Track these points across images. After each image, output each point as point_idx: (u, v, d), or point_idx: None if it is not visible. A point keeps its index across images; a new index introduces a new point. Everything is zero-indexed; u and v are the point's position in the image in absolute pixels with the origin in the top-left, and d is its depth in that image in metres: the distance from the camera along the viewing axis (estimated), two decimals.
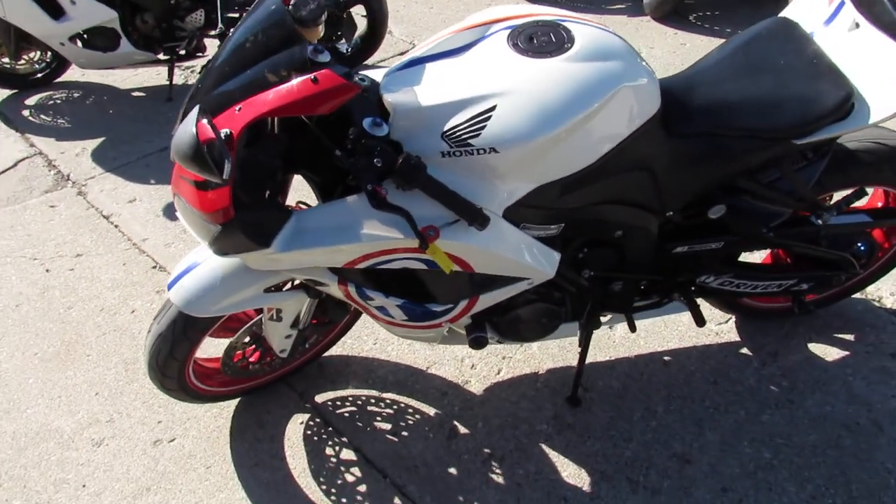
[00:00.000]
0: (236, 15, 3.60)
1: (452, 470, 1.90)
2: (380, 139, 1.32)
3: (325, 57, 1.45)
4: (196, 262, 1.64)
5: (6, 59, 3.90)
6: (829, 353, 2.13)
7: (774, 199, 1.67)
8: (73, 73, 3.93)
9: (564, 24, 1.47)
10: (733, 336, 2.21)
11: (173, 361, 1.73)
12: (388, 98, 1.39)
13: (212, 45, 4.07)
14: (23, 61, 3.98)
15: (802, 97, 1.52)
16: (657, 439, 1.94)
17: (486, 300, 1.61)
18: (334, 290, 1.57)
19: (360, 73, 1.47)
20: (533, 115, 1.34)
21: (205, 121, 1.16)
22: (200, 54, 3.88)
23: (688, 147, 1.55)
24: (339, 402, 2.10)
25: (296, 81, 1.26)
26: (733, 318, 2.26)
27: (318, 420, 2.06)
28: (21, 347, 2.36)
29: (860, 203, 1.83)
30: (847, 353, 2.12)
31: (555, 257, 1.58)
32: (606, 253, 1.71)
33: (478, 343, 1.71)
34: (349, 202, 1.40)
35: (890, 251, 2.04)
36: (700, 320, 1.89)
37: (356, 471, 1.92)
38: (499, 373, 2.16)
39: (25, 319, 2.47)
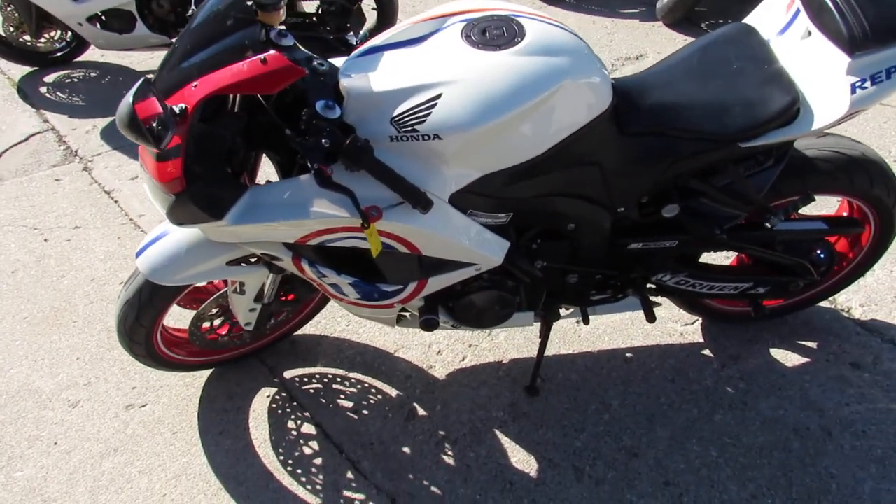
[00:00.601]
0: None
1: (406, 449, 1.96)
2: (331, 121, 1.38)
3: (289, 41, 1.52)
4: (165, 232, 1.72)
5: (27, 37, 4.05)
6: (790, 359, 2.15)
7: (725, 201, 1.70)
8: (92, 54, 4.06)
9: (518, 19, 1.52)
10: (697, 337, 2.24)
11: (140, 328, 1.81)
12: (344, 83, 1.46)
13: None
14: (43, 40, 4.12)
15: (749, 101, 1.55)
16: (608, 432, 1.98)
17: (435, 283, 1.67)
18: (289, 265, 1.64)
19: (320, 58, 1.53)
20: (475, 104, 1.39)
21: (152, 94, 1.24)
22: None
23: (637, 145, 1.59)
24: (306, 379, 2.18)
25: (247, 62, 1.33)
26: (700, 321, 2.29)
27: (284, 395, 2.13)
28: (12, 311, 2.46)
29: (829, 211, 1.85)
30: (808, 360, 2.14)
31: (503, 245, 1.64)
32: (559, 245, 1.76)
33: (428, 325, 1.76)
34: (300, 180, 1.47)
35: (854, 261, 2.06)
36: (650, 317, 1.93)
37: (314, 444, 1.99)
38: (463, 359, 2.22)
39: (20, 285, 2.59)
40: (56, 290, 2.55)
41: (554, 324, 2.23)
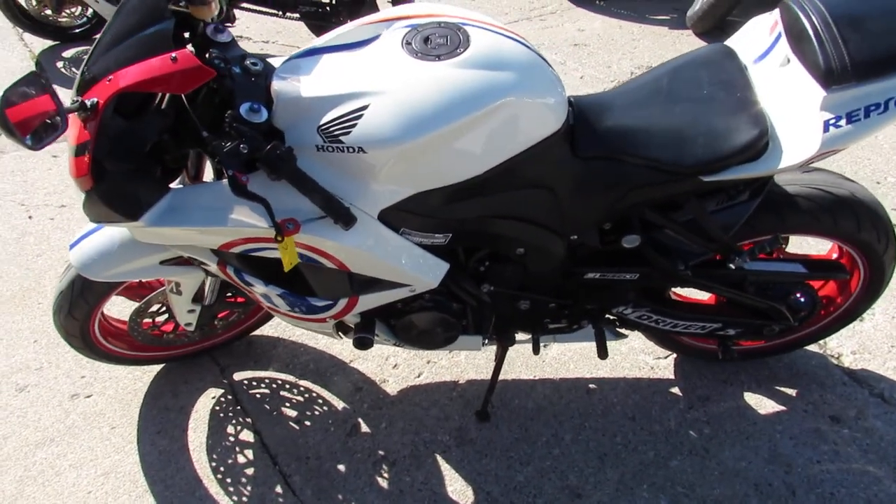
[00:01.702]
0: None
1: (341, 467, 1.88)
2: (254, 125, 1.29)
3: (226, 37, 1.45)
4: (100, 226, 1.67)
5: (49, 12, 4.08)
6: (764, 405, 2.00)
7: (687, 236, 1.57)
8: None
9: (467, 27, 1.41)
10: (668, 373, 2.11)
11: (73, 320, 1.77)
12: (275, 85, 1.37)
13: (241, 15, 4.15)
14: (65, 15, 4.15)
15: (714, 132, 1.42)
16: (554, 468, 1.86)
17: (368, 301, 1.58)
18: (215, 271, 1.56)
19: (255, 58, 1.45)
20: (402, 118, 1.29)
21: (47, 90, 1.18)
22: (229, 24, 3.95)
23: (590, 170, 1.47)
24: (255, 383, 2.11)
25: (158, 58, 1.25)
26: (674, 356, 2.16)
27: (229, 397, 2.07)
28: None
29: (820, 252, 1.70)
30: (783, 408, 1.99)
31: (441, 267, 1.54)
32: (508, 269, 1.65)
33: (361, 344, 1.67)
34: (220, 186, 1.39)
35: (843, 306, 1.90)
36: (603, 353, 1.81)
37: (249, 453, 1.92)
38: (419, 376, 2.13)
39: None
40: (29, 270, 2.54)
41: (518, 346, 2.14)
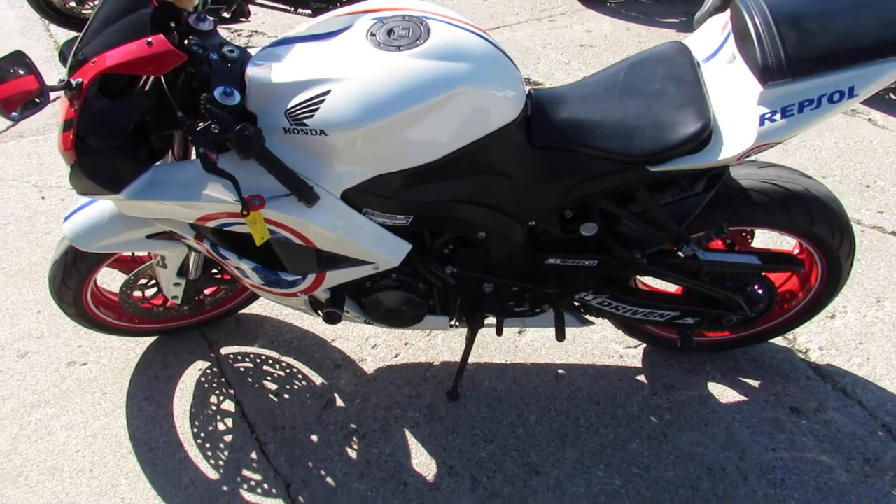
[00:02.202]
0: None
1: (314, 437, 1.98)
2: (227, 107, 1.39)
3: (207, 26, 1.56)
4: (93, 200, 1.79)
5: (73, 4, 4.25)
6: (726, 395, 2.06)
7: (639, 225, 1.64)
8: None
9: (429, 21, 1.50)
10: (636, 362, 2.18)
11: (66, 289, 1.89)
12: (249, 71, 1.48)
13: (256, 10, 4.29)
14: (88, 7, 4.32)
15: (661, 124, 1.49)
16: (517, 446, 1.94)
17: (334, 277, 1.68)
18: (193, 244, 1.67)
19: (233, 46, 1.55)
20: (360, 103, 1.38)
21: (31, 70, 1.29)
22: (244, 19, 4.09)
23: (544, 159, 1.55)
24: (240, 357, 2.22)
25: (136, 42, 1.36)
26: (643, 346, 2.22)
27: (215, 370, 2.18)
28: None
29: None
30: (745, 398, 2.05)
31: (403, 247, 1.63)
32: (472, 253, 1.74)
33: (330, 318, 1.77)
34: (195, 163, 1.50)
35: (804, 300, 1.96)
36: (560, 335, 1.88)
37: (229, 421, 2.03)
38: (396, 356, 2.22)
39: (8, 237, 2.73)
40: (38, 246, 2.68)
41: (493, 332, 2.22)
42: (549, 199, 1.62)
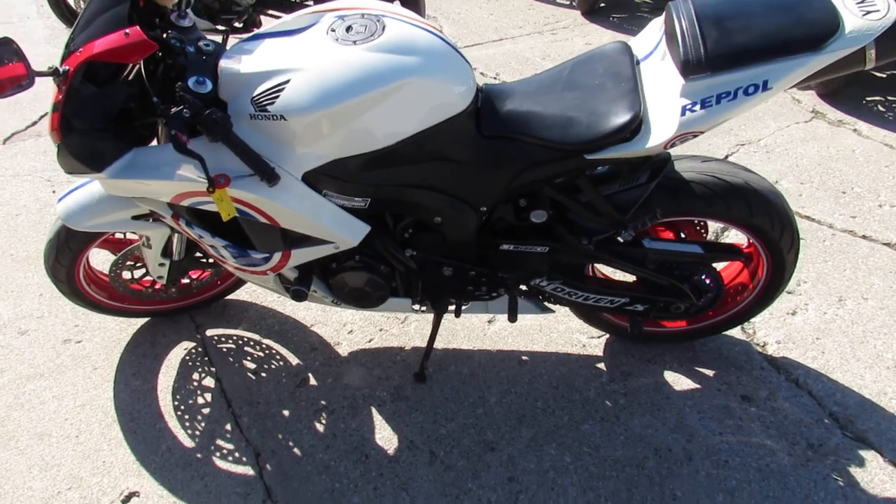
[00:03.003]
0: None
1: (286, 412, 2.10)
2: (198, 95, 1.54)
3: (187, 22, 1.71)
4: (85, 183, 1.94)
5: None
6: (681, 382, 2.15)
7: (582, 213, 1.76)
8: None
9: (386, 18, 1.63)
10: (597, 351, 2.27)
11: (60, 266, 2.04)
12: (221, 63, 1.63)
13: (267, 21, 4.48)
14: None
15: (597, 115, 1.60)
16: (475, 425, 2.05)
17: (299, 256, 1.81)
18: (170, 222, 1.81)
19: (209, 41, 1.70)
20: (315, 90, 1.52)
21: (18, 57, 1.44)
22: (256, 29, 4.28)
23: (491, 147, 1.67)
24: (223, 338, 2.36)
25: (115, 34, 1.51)
26: (607, 336, 2.32)
27: (199, 349, 2.32)
28: (3, 247, 2.78)
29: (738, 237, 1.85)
30: (698, 386, 2.13)
31: (361, 229, 1.75)
32: (430, 237, 1.86)
33: (297, 295, 1.90)
34: (170, 146, 1.64)
35: (754, 292, 2.04)
36: (513, 316, 1.99)
37: (208, 396, 2.16)
38: (370, 341, 2.34)
39: (18, 226, 2.91)
40: (45, 235, 2.84)
41: (464, 320, 2.34)
42: (497, 186, 1.73)
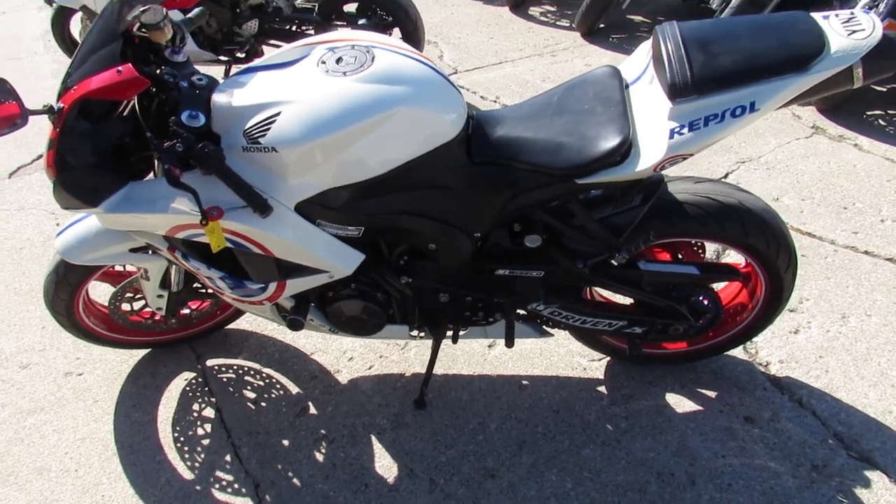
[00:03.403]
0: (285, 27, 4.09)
1: (286, 442, 2.10)
2: (191, 129, 1.56)
3: (181, 57, 1.73)
4: (83, 217, 1.96)
5: None
6: (683, 405, 2.13)
7: (576, 236, 1.75)
8: None
9: (376, 49, 1.65)
10: (598, 374, 2.26)
11: (59, 300, 2.06)
12: (214, 97, 1.64)
13: (269, 52, 4.52)
14: None
15: (586, 139, 1.61)
16: (476, 451, 2.03)
17: (294, 286, 1.81)
18: (167, 254, 1.83)
19: (202, 75, 1.72)
20: (306, 122, 1.53)
21: (12, 98, 1.47)
22: (257, 59, 4.33)
23: (482, 173, 1.67)
24: (224, 368, 2.36)
25: (109, 71, 1.53)
26: (607, 359, 2.31)
27: (200, 380, 2.32)
28: (6, 280, 2.80)
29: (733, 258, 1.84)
30: (700, 407, 2.11)
31: (355, 257, 1.76)
32: (425, 264, 1.86)
33: (293, 325, 1.90)
34: (164, 180, 1.66)
35: (753, 312, 2.03)
36: (510, 342, 1.98)
37: (208, 427, 2.16)
38: (370, 368, 2.33)
39: (22, 259, 2.93)
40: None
41: (464, 345, 2.33)
42: (490, 212, 1.73)
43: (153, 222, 1.70)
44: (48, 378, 2.35)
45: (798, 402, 2.12)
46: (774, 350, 2.29)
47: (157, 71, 1.64)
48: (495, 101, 4.18)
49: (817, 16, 1.54)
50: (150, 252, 1.94)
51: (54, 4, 4.31)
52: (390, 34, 4.16)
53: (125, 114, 1.73)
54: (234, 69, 4.55)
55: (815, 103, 3.82)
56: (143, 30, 1.66)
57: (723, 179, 3.25)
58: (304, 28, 4.15)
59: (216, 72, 4.52)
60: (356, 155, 1.58)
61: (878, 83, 4.07)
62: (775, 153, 3.45)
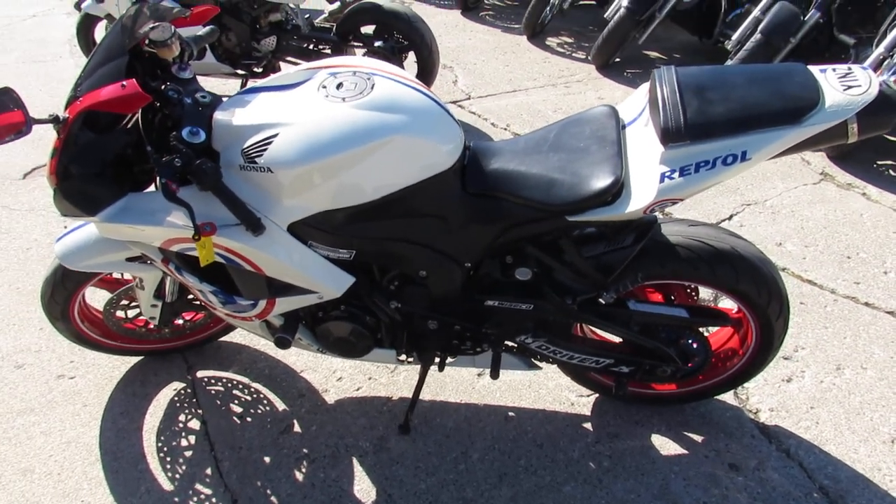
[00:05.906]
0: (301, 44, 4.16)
1: (267, 459, 2.10)
2: (191, 145, 1.59)
3: (187, 74, 1.77)
4: (83, 224, 1.99)
5: None
6: (669, 447, 2.11)
7: (565, 273, 1.76)
8: None
9: (376, 77, 1.68)
10: (585, 410, 2.25)
11: (55, 304, 2.08)
12: (216, 115, 1.67)
13: (286, 68, 4.59)
14: None
15: (578, 177, 1.62)
16: (456, 481, 2.02)
17: (284, 304, 1.82)
18: (160, 266, 1.85)
19: (206, 93, 1.75)
20: (301, 145, 1.56)
21: (17, 105, 1.50)
22: (274, 74, 4.40)
23: (475, 205, 1.69)
24: (213, 381, 2.37)
25: (113, 85, 1.57)
26: (596, 395, 2.29)
27: (188, 391, 2.34)
28: (10, 280, 2.84)
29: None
30: (685, 451, 2.09)
31: (345, 280, 1.77)
32: (415, 290, 1.87)
33: (280, 343, 1.91)
34: (161, 193, 1.68)
35: (744, 357, 2.01)
36: (495, 373, 1.98)
37: (192, 438, 2.17)
38: (358, 389, 2.34)
39: (27, 260, 2.97)
40: None
41: (453, 372, 2.33)
42: (481, 243, 1.75)
43: (148, 234, 1.73)
44: (41, 380, 2.38)
45: (785, 452, 2.10)
46: (765, 397, 2.27)
47: (163, 87, 1.68)
48: (506, 129, 4.21)
49: (814, 69, 1.55)
50: (146, 262, 1.97)
51: (82, 10, 4.40)
52: (406, 57, 4.21)
53: (129, 126, 1.76)
54: (251, 83, 4.63)
55: (824, 150, 3.81)
56: (152, 46, 1.70)
57: (724, 222, 3.25)
58: (320, 47, 4.20)
59: (233, 85, 4.61)
60: (350, 180, 1.60)
61: (890, 133, 4.06)
62: (782, 197, 3.45)
